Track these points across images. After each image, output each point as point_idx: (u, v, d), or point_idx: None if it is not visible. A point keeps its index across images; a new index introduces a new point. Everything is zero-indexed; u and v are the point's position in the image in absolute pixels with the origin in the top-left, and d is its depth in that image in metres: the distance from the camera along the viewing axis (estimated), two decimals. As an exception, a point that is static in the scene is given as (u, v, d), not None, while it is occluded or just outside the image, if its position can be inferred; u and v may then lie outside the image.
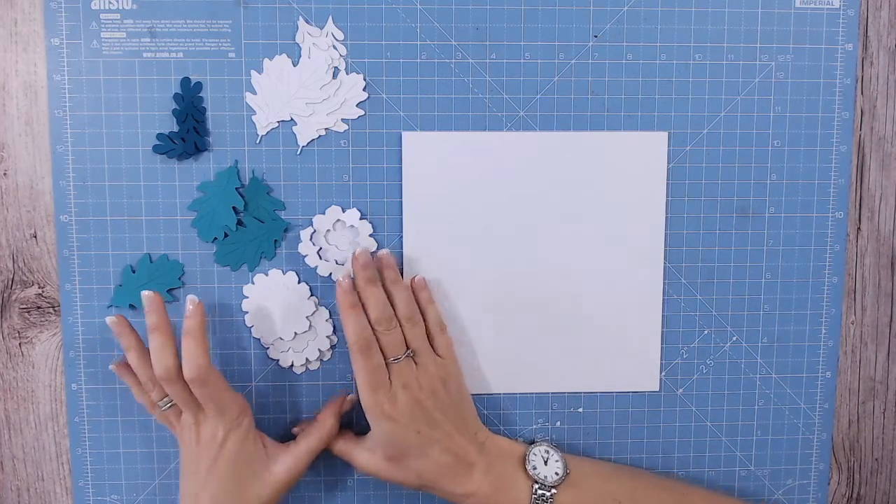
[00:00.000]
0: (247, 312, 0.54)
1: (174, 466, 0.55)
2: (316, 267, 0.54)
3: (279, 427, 0.56)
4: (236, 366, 0.55)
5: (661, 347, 0.57)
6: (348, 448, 0.53)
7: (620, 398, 0.57)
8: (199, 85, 0.52)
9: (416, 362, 0.51)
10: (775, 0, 0.54)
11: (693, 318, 0.57)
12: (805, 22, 0.54)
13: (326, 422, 0.53)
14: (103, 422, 0.55)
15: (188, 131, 0.52)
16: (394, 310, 0.51)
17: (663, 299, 0.56)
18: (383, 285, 0.52)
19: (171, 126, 0.52)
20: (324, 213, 0.54)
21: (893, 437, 0.60)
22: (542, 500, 0.50)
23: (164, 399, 0.51)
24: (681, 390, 0.57)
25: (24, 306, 0.54)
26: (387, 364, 0.50)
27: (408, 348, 0.51)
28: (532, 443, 0.54)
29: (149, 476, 0.55)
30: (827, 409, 0.58)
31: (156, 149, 0.52)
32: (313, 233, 0.54)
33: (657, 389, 0.57)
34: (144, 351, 0.50)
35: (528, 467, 0.52)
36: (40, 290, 0.54)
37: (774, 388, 0.58)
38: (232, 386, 0.55)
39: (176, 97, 0.52)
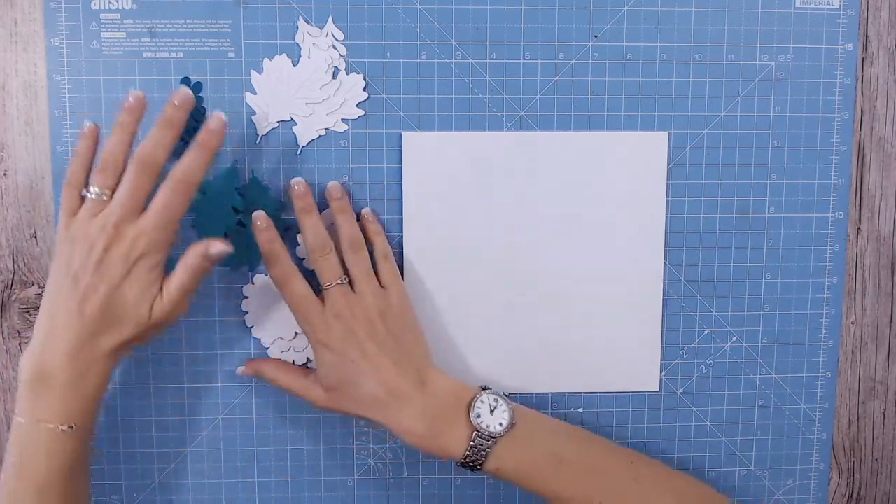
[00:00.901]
0: (247, 312, 0.54)
1: (174, 467, 0.55)
2: (313, 270, 0.54)
3: (279, 427, 0.56)
4: (237, 366, 0.55)
5: (661, 347, 0.57)
6: (298, 384, 0.51)
7: (620, 398, 0.57)
8: (199, 85, 0.52)
9: (355, 290, 0.50)
10: (775, 0, 0.54)
11: (693, 318, 0.57)
12: (805, 22, 0.54)
13: (194, 261, 0.48)
14: (103, 422, 0.54)
15: (188, 132, 0.52)
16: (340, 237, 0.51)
17: (663, 299, 0.56)
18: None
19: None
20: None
21: (893, 437, 0.60)
22: (479, 449, 0.48)
23: (106, 188, 0.47)
24: (681, 390, 0.57)
25: (24, 306, 0.54)
26: (323, 290, 0.50)
27: (347, 276, 0.50)
28: (484, 388, 0.51)
29: (149, 476, 0.55)
30: (827, 409, 0.58)
31: None
32: None
33: (657, 389, 0.57)
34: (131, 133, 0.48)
35: (472, 414, 0.49)
36: (40, 291, 0.54)
37: (774, 388, 0.58)
38: (232, 386, 0.55)
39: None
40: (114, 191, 0.47)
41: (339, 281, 0.50)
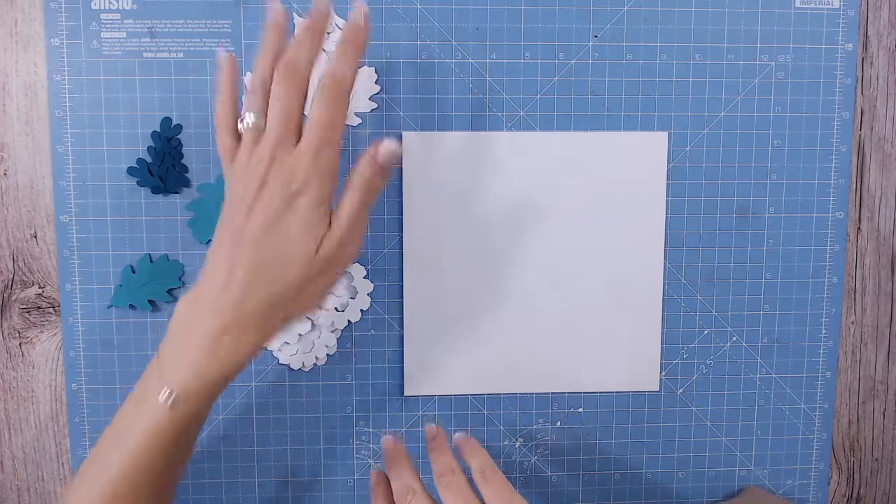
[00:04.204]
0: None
1: (174, 466, 0.55)
2: (318, 317, 0.54)
3: (279, 426, 0.56)
4: (236, 366, 0.55)
5: (661, 347, 0.57)
6: None
7: (620, 398, 0.57)
8: (178, 127, 0.52)
9: None
10: (775, 0, 0.54)
11: (693, 318, 0.57)
12: (805, 22, 0.54)
13: (364, 171, 0.42)
14: (103, 422, 0.54)
15: (167, 170, 0.52)
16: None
17: (663, 299, 0.56)
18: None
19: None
20: None
21: (893, 437, 0.60)
22: None
23: (260, 111, 0.41)
24: (681, 390, 0.57)
25: (24, 306, 0.54)
26: None
27: None
28: None
29: (149, 476, 0.55)
30: (827, 409, 0.58)
31: (130, 171, 0.52)
32: None
33: (657, 389, 0.57)
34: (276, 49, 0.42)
35: None
36: (40, 290, 0.54)
37: (774, 388, 0.58)
38: (232, 386, 0.55)
39: (154, 135, 0.52)
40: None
41: None
